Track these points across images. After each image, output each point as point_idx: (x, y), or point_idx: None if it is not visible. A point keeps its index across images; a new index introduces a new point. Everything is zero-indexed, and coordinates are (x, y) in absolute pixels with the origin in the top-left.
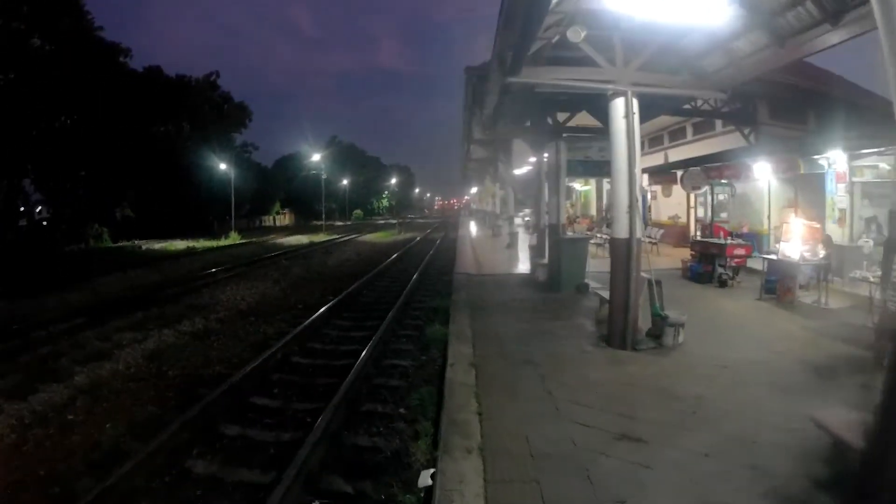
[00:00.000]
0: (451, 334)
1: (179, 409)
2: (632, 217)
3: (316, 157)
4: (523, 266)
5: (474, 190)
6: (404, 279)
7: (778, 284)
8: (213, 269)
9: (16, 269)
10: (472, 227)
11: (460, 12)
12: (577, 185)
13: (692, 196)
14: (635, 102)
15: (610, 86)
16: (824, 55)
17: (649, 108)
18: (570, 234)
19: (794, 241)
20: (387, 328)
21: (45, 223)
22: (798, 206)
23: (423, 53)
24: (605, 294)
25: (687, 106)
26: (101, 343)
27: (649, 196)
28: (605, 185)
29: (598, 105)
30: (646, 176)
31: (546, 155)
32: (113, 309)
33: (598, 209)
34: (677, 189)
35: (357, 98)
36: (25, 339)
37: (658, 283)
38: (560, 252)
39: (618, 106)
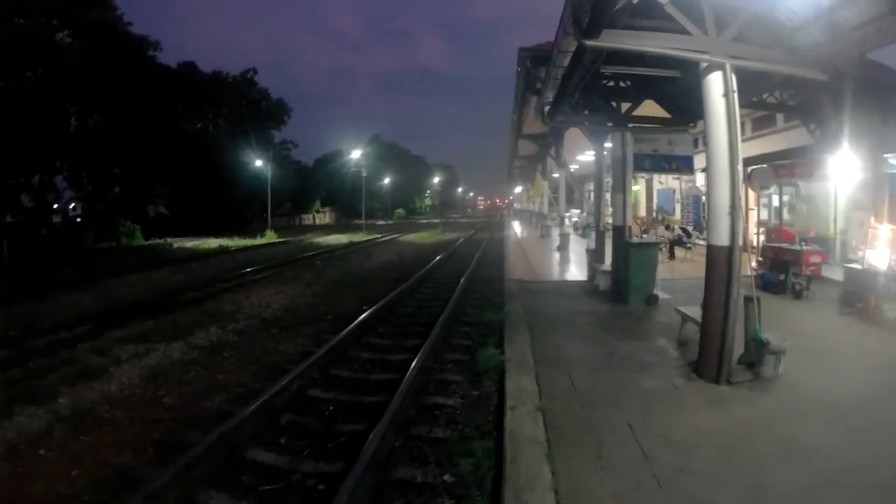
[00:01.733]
0: (508, 360)
1: (157, 464)
2: (734, 220)
3: (356, 153)
4: (579, 272)
5: (518, 189)
6: (450, 286)
7: (861, 297)
8: (242, 271)
9: (37, 266)
10: (518, 228)
11: (501, 9)
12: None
13: (752, 197)
14: (734, 79)
15: (705, 56)
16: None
17: None
18: (636, 237)
19: (882, 249)
20: (429, 351)
21: (78, 220)
22: (875, 209)
23: (465, 52)
24: (689, 311)
25: (754, 98)
26: (99, 357)
27: (703, 196)
28: (657, 185)
29: (668, 92)
30: (700, 174)
31: (608, 147)
32: (123, 315)
33: (648, 209)
34: None
35: (399, 97)
36: (19, 350)
37: (757, 300)
38: (627, 258)
39: (713, 83)
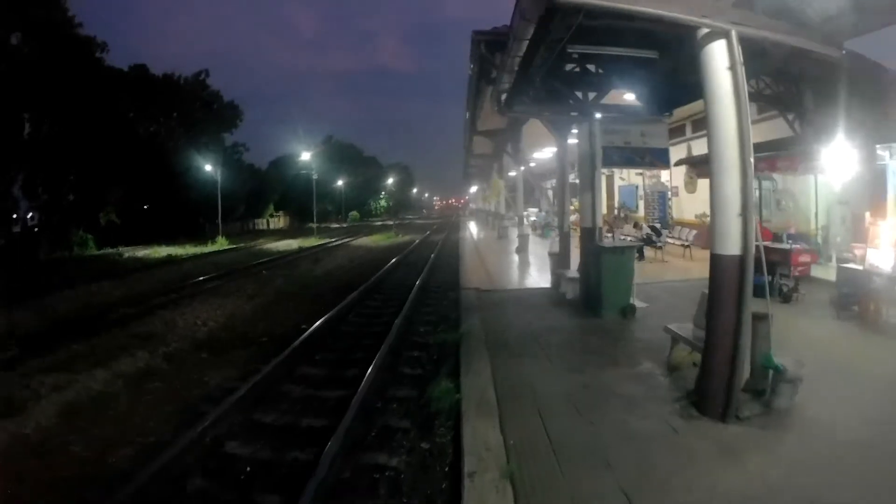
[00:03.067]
0: (465, 398)
1: None
2: (747, 223)
3: (306, 155)
4: (542, 278)
5: (474, 189)
6: (400, 297)
7: (857, 300)
8: (185, 282)
9: None
10: (475, 229)
11: (462, 10)
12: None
13: None
14: (739, 50)
15: (705, 20)
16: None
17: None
18: (609, 238)
19: (885, 248)
20: (370, 387)
21: (36, 230)
22: (873, 205)
23: (425, 53)
24: (680, 329)
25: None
26: (15, 390)
27: (669, 192)
28: (618, 181)
29: (641, 78)
30: (664, 171)
31: (573, 141)
32: (51, 337)
33: (610, 207)
34: (704, 184)
35: (355, 98)
36: None
37: (770, 316)
38: (599, 265)
39: (716, 54)
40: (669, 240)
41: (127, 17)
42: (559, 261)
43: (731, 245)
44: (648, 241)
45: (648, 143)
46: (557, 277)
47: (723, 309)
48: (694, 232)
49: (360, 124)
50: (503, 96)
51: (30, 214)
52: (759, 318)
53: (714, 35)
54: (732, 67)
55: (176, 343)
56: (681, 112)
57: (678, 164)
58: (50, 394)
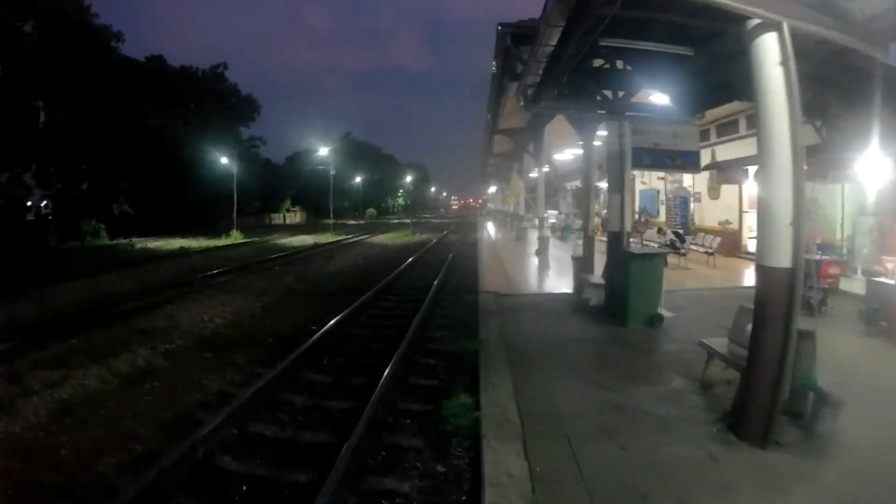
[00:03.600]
0: (485, 417)
1: None
2: (797, 233)
3: (323, 150)
4: (563, 283)
5: (492, 189)
6: (416, 299)
7: (890, 316)
8: (194, 276)
9: None
10: (493, 230)
11: (478, 9)
12: (602, 184)
13: (745, 199)
14: (790, 44)
15: (757, 10)
16: None
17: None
18: (635, 244)
19: None
20: (380, 400)
21: (49, 218)
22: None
23: (441, 52)
24: (716, 345)
25: None
26: (7, 386)
27: (691, 198)
28: (639, 185)
29: (672, 77)
30: (686, 175)
31: (600, 142)
32: (50, 330)
33: (630, 211)
34: (727, 190)
35: (372, 97)
36: None
37: (813, 334)
38: (626, 271)
39: (766, 48)
40: (692, 246)
41: (146, 12)
42: (582, 265)
43: (781, 257)
44: (672, 247)
45: (679, 146)
46: (580, 283)
47: (769, 326)
48: (718, 239)
49: (377, 123)
50: (529, 91)
51: (43, 203)
52: (804, 336)
53: (764, 27)
54: (784, 63)
55: (179, 340)
56: (705, 116)
57: (706, 168)
58: (43, 391)
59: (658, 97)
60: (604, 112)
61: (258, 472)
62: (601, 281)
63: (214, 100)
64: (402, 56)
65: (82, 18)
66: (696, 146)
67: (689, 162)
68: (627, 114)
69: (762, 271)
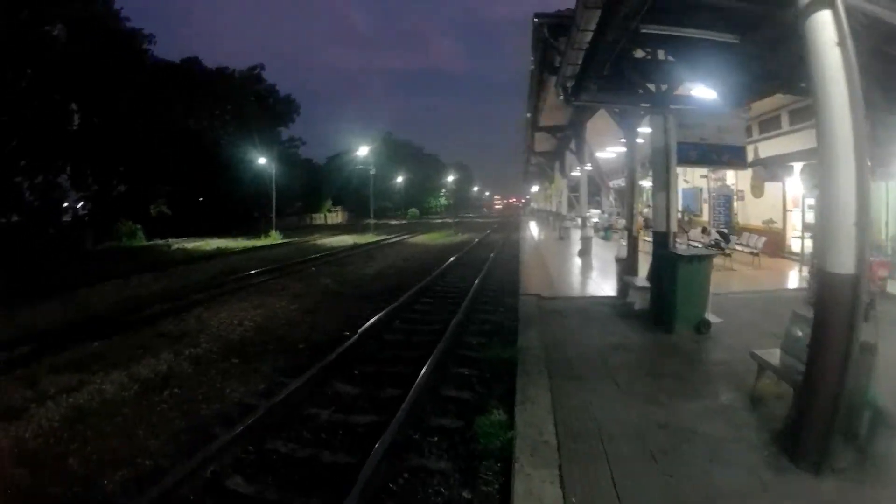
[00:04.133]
0: (519, 436)
1: None
2: (862, 234)
3: (363, 150)
4: (607, 285)
5: (535, 188)
6: (454, 301)
7: None
8: (229, 277)
9: (25, 270)
10: (535, 230)
11: (514, 8)
12: (646, 182)
13: (789, 197)
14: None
15: None
16: None
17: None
18: (680, 245)
19: None
20: (410, 412)
21: (87, 219)
22: None
23: (478, 51)
24: (768, 356)
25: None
26: (22, 391)
27: (735, 197)
28: (682, 183)
29: (715, 67)
30: (729, 173)
31: (642, 139)
32: (74, 334)
33: None
34: (771, 188)
35: (413, 97)
36: None
37: (874, 346)
38: (673, 274)
39: (820, 27)
40: (737, 247)
41: (182, 15)
42: (626, 267)
43: (844, 261)
44: (717, 248)
45: (725, 140)
46: (624, 286)
47: (829, 338)
48: (763, 239)
49: (419, 123)
50: (569, 84)
51: (80, 204)
52: (865, 349)
53: (817, 4)
54: (842, 43)
55: (206, 344)
56: (751, 110)
57: (752, 165)
58: (59, 396)
59: (701, 91)
60: (647, 105)
61: (267, 497)
62: (646, 284)
63: (252, 101)
64: (442, 56)
65: (112, 22)
66: (742, 140)
67: (735, 158)
68: (672, 107)
69: (823, 277)
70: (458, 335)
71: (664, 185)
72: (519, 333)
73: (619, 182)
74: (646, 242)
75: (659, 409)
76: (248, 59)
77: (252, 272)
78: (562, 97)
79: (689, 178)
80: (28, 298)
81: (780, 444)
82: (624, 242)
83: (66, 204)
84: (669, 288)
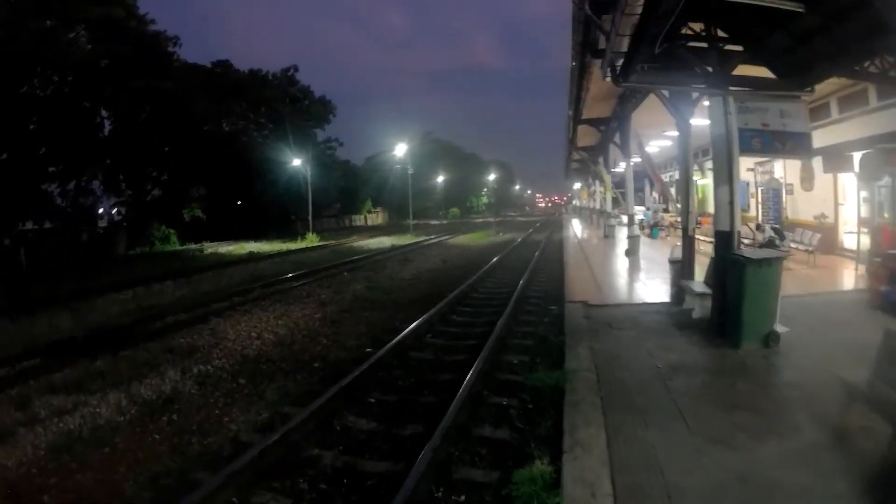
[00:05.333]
0: (567, 499)
1: None
2: None
3: (401, 148)
4: (659, 288)
5: (577, 185)
6: (493, 311)
7: None
8: (255, 284)
9: (53, 276)
10: (578, 228)
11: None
12: (696, 177)
13: (840, 190)
14: None
15: None
16: None
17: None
18: (745, 246)
19: None
20: (430, 464)
21: (124, 224)
22: None
23: (517, 49)
24: (860, 384)
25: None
26: (13, 413)
27: (784, 191)
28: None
29: (774, 40)
30: (778, 163)
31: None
32: (78, 348)
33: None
34: (821, 181)
35: (452, 96)
36: None
37: None
38: (740, 279)
39: None
40: (791, 244)
41: (214, 17)
42: (682, 270)
43: None
44: (770, 246)
45: (788, 126)
46: (680, 291)
47: None
48: (818, 235)
49: (458, 122)
50: (617, 63)
51: (115, 209)
52: None
53: None
54: None
55: (217, 360)
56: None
57: (817, 154)
58: (49, 419)
59: (758, 71)
60: (703, 86)
61: None
62: (706, 289)
63: (287, 102)
64: (480, 54)
65: (135, 24)
66: (806, 126)
67: (799, 146)
68: (731, 88)
69: None
70: (496, 353)
71: (726, 177)
72: (566, 351)
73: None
74: (701, 242)
75: (735, 454)
76: (286, 62)
77: (281, 278)
78: (609, 77)
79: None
80: (41, 308)
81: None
82: (678, 242)
83: (101, 210)
84: (735, 295)
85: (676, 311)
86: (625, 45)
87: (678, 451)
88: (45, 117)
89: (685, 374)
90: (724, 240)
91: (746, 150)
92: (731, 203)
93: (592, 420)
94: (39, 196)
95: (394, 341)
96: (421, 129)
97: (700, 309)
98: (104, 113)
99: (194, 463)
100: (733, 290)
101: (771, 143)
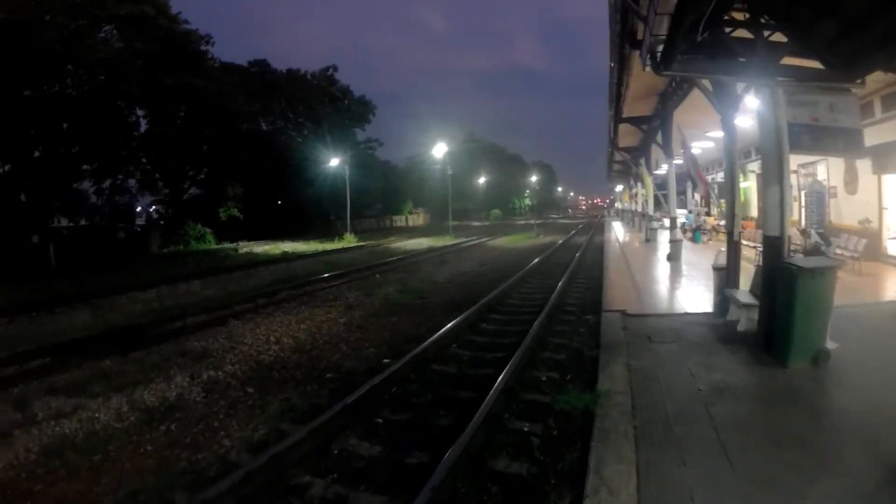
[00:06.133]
0: None
1: None
2: None
3: (440, 148)
4: (702, 297)
5: (619, 188)
6: (526, 319)
7: None
8: (284, 285)
9: (83, 273)
10: (620, 231)
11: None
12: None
13: (885, 194)
14: None
15: None
16: None
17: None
18: (795, 253)
19: None
20: (433, 500)
21: (161, 223)
22: None
23: (559, 50)
24: None
25: None
26: (12, 413)
27: (827, 194)
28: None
29: (821, 27)
30: (821, 165)
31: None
32: (91, 347)
33: (760, 209)
34: (865, 183)
35: (494, 97)
36: None
37: None
38: (790, 290)
39: None
40: (837, 250)
41: (252, 18)
42: (726, 278)
43: None
44: (817, 252)
45: (839, 122)
46: (724, 300)
47: None
48: (864, 241)
49: (500, 123)
50: (657, 50)
51: (152, 208)
52: None
53: None
54: None
55: (229, 366)
56: (866, 85)
57: (868, 153)
58: (46, 422)
59: (805, 63)
60: (749, 75)
61: None
62: (751, 300)
63: (326, 102)
64: (522, 56)
65: (165, 22)
66: (858, 122)
67: (851, 143)
68: (779, 78)
69: None
70: (523, 369)
71: (776, 176)
72: (600, 368)
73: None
74: (744, 248)
75: (784, 499)
76: (327, 63)
77: (312, 279)
78: (649, 66)
79: None
80: (61, 305)
81: None
82: (722, 248)
83: (139, 208)
84: (785, 308)
85: (720, 322)
86: (664, 27)
87: (718, 497)
88: (78, 116)
89: (730, 398)
90: (773, 246)
91: (796, 146)
92: (782, 205)
93: (623, 455)
94: (72, 194)
95: (415, 351)
96: (462, 129)
97: (745, 321)
98: (140, 112)
99: (176, 481)
100: (782, 301)
101: (821, 139)
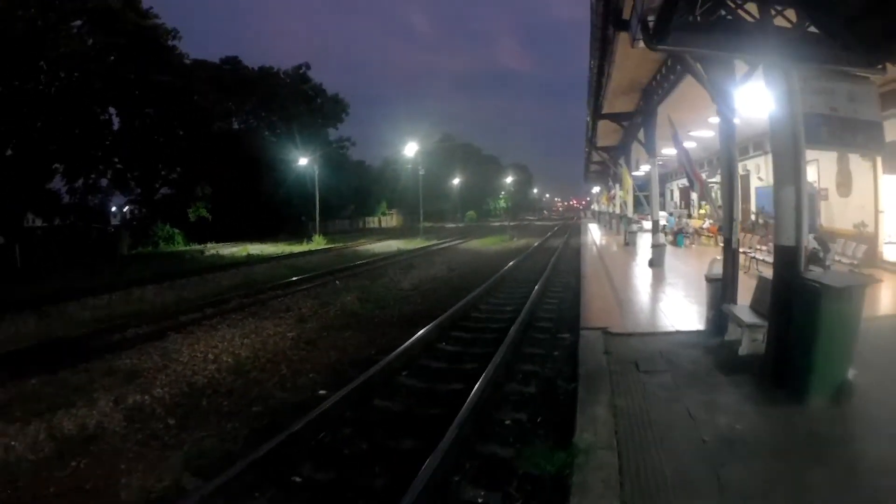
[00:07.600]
0: None
1: None
2: None
3: (412, 148)
4: (691, 311)
5: (596, 189)
6: (492, 338)
7: None
8: (238, 292)
9: (45, 275)
10: (597, 234)
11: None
12: (713, 181)
13: (881, 196)
14: None
15: None
16: None
17: None
18: (812, 266)
19: None
20: None
21: (134, 224)
22: None
23: (540, 53)
24: None
25: None
26: None
27: (818, 197)
28: (755, 181)
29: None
30: (811, 166)
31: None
32: (19, 363)
33: (746, 212)
34: (859, 185)
35: (473, 99)
36: None
37: None
38: (810, 312)
39: None
40: (838, 258)
41: (226, 15)
42: (723, 290)
43: None
44: (815, 259)
45: (858, 113)
46: (720, 316)
47: None
48: (863, 247)
49: (478, 125)
50: (650, 20)
51: (126, 208)
52: None
53: None
54: None
55: (158, 389)
56: (888, 72)
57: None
58: None
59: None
60: (757, 54)
61: None
62: (756, 319)
63: (299, 101)
64: (502, 58)
65: (134, 17)
66: (878, 114)
67: (871, 138)
68: (793, 60)
69: None
70: (483, 410)
71: (791, 174)
72: (578, 410)
73: (683, 181)
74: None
75: None
76: (302, 60)
77: (270, 284)
78: (640, 40)
79: (764, 175)
80: (12, 312)
81: None
82: (718, 256)
83: (114, 208)
84: (803, 333)
85: (716, 343)
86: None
87: None
88: (51, 114)
89: (741, 452)
90: (787, 257)
91: (813, 141)
92: (798, 209)
93: None
94: (43, 194)
95: (358, 381)
96: (439, 130)
97: (748, 344)
98: (112, 110)
99: None
100: (800, 325)
101: (839, 133)
